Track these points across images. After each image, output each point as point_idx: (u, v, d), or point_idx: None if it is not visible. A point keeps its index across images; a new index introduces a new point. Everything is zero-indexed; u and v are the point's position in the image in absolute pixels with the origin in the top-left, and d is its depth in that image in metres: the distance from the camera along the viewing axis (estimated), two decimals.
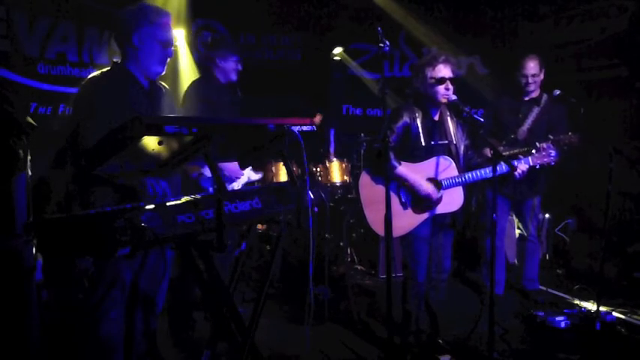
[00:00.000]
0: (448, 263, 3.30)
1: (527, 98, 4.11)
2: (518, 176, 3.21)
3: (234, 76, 3.72)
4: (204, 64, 3.84)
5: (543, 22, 6.21)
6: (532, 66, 4.01)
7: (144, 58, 2.42)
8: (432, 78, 3.06)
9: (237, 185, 3.72)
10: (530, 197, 4.21)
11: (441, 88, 3.05)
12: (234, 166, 3.62)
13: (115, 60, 2.50)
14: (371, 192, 3.15)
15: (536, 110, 4.08)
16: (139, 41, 2.38)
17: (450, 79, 3.05)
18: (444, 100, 3.07)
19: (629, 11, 5.25)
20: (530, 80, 4.03)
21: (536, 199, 4.26)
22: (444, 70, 3.06)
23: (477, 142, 3.38)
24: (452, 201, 3.15)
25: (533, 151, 3.32)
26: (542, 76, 4.06)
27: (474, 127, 3.10)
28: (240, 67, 3.75)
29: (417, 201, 3.13)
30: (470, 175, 3.13)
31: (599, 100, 5.22)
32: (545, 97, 4.11)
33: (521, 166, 3.22)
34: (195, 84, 3.71)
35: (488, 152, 3.41)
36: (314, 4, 6.69)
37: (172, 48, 2.49)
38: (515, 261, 4.89)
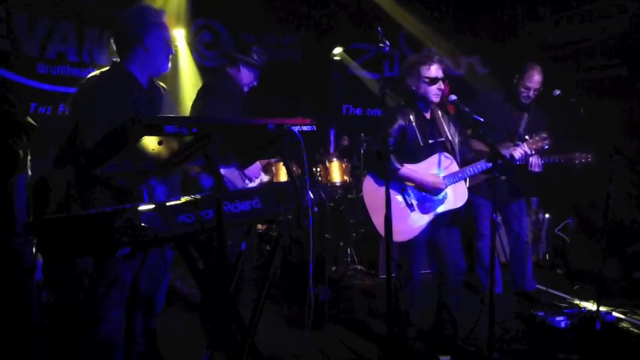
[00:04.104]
0: (463, 263, 3.28)
1: (522, 106, 4.05)
2: (517, 162, 3.28)
3: (246, 88, 3.70)
4: (223, 63, 3.75)
5: (543, 22, 6.21)
6: (538, 80, 3.89)
7: (154, 59, 2.46)
8: (426, 77, 3.08)
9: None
10: (521, 198, 4.22)
11: (434, 88, 3.09)
12: (253, 165, 3.62)
13: (114, 60, 2.51)
14: (375, 196, 3.14)
15: (526, 117, 4.04)
16: (149, 43, 2.42)
17: (442, 79, 3.08)
18: (436, 100, 3.13)
19: (629, 11, 5.25)
20: (532, 94, 3.92)
21: (532, 199, 4.27)
22: (437, 71, 3.09)
23: (468, 141, 3.41)
24: (458, 197, 3.16)
25: (527, 137, 3.37)
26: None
27: (475, 127, 3.11)
28: (255, 84, 3.73)
29: (423, 200, 3.14)
30: (470, 169, 3.16)
31: (599, 100, 5.21)
32: (534, 105, 4.05)
33: (519, 151, 3.28)
34: (216, 81, 3.67)
35: (477, 145, 3.43)
36: (314, 4, 6.69)
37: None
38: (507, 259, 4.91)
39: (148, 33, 2.41)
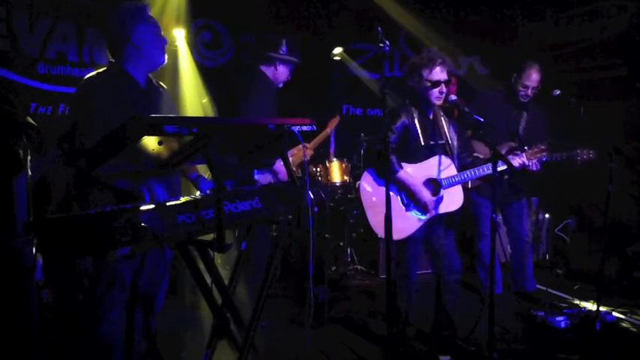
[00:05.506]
0: (458, 263, 3.29)
1: (521, 104, 4.06)
2: (518, 168, 3.31)
3: (281, 84, 3.72)
4: (257, 62, 3.73)
5: (543, 22, 6.21)
6: (536, 79, 3.92)
7: (146, 53, 2.47)
8: (427, 80, 3.07)
9: None
10: (522, 198, 4.22)
11: (435, 91, 3.09)
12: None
13: (111, 60, 2.51)
14: (372, 195, 3.14)
15: (525, 116, 4.05)
16: (137, 40, 2.43)
17: (444, 81, 3.07)
18: (437, 103, 3.12)
19: (629, 11, 5.25)
20: (530, 92, 3.96)
21: (532, 199, 4.27)
22: (440, 74, 3.08)
23: (468, 143, 3.41)
24: (452, 200, 3.15)
25: (526, 147, 3.41)
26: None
27: (475, 128, 3.11)
28: (289, 79, 3.75)
29: (418, 203, 3.14)
30: (468, 173, 3.16)
31: (599, 100, 5.22)
32: (532, 104, 4.07)
33: (517, 161, 3.31)
34: (251, 81, 3.65)
35: (477, 149, 3.44)
36: (314, 4, 6.68)
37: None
38: (507, 259, 4.91)
39: (134, 29, 2.42)
